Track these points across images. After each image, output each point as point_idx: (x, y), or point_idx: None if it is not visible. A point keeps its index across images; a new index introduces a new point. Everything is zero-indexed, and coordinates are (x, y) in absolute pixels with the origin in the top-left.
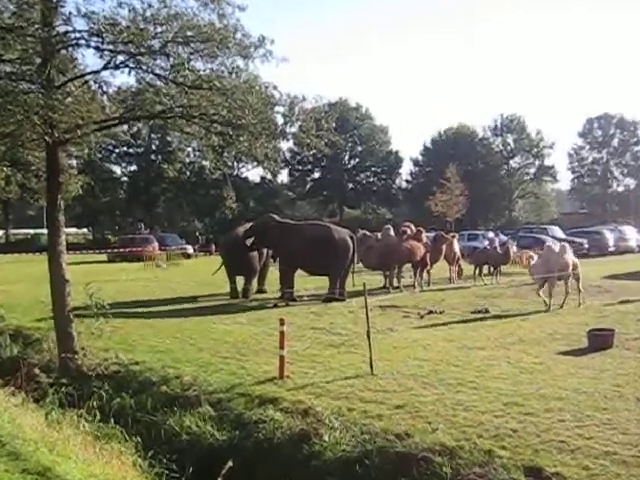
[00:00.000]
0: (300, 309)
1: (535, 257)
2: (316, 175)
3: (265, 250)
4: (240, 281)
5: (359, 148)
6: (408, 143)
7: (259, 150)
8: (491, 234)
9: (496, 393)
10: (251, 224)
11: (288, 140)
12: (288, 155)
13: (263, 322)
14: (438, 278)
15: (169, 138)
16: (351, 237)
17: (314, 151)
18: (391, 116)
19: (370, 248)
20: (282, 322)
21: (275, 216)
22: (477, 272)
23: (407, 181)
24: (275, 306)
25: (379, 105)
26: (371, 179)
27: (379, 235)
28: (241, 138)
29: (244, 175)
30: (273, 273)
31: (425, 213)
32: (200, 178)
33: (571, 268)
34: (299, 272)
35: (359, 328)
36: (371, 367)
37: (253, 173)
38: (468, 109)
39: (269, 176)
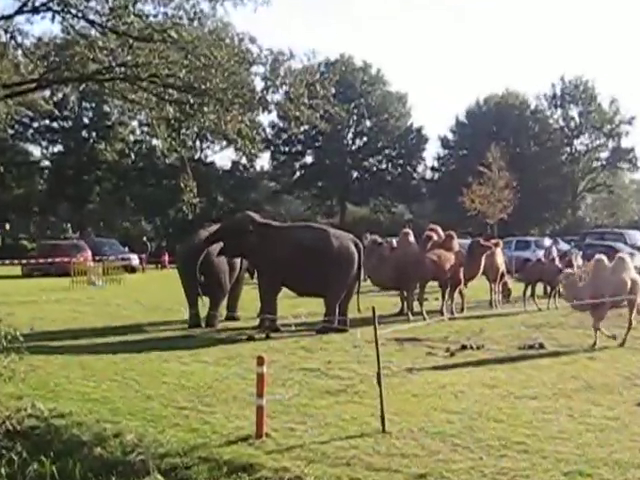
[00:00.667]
0: (286, 343)
1: (575, 272)
2: (308, 160)
3: (238, 262)
4: (204, 304)
5: (367, 123)
6: (434, 117)
7: (230, 125)
8: (547, 241)
9: (554, 458)
10: (219, 226)
11: (270, 112)
12: (270, 132)
13: (235, 361)
14: (475, 301)
15: (107, 108)
16: (356, 245)
17: (306, 127)
18: (410, 81)
19: (382, 260)
20: (261, 361)
21: (253, 215)
22: (528, 293)
23: (433, 168)
24: (251, 339)
25: (394, 67)
26: (383, 165)
27: (394, 242)
28: (206, 108)
29: (210, 159)
30: (249, 293)
31: (457, 212)
32: (149, 163)
33: (629, 290)
34: (285, 292)
35: (366, 369)
36: (382, 422)
37: (222, 157)
38: (516, 70)
39: (244, 161)
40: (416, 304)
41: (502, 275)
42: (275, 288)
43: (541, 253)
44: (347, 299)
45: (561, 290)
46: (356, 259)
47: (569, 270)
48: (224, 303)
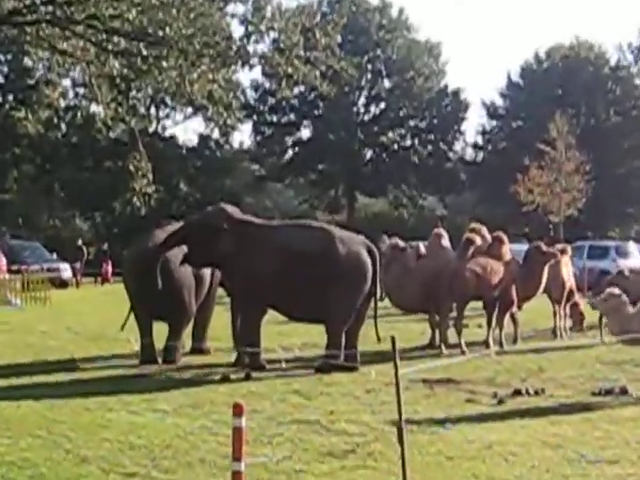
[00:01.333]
0: (273, 385)
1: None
2: (304, 134)
3: (208, 274)
4: (161, 331)
5: (386, 83)
6: (477, 75)
7: (198, 86)
8: (633, 247)
9: None
10: (182, 224)
11: (252, 67)
12: (252, 96)
13: (203, 410)
14: (533, 329)
15: (28, 62)
16: (370, 251)
17: (301, 88)
18: (445, 27)
19: (406, 272)
20: (238, 410)
21: (229, 209)
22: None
23: (476, 146)
24: (225, 379)
25: (421, 7)
26: (408, 142)
27: (422, 247)
28: (164, 63)
29: (170, 133)
30: (222, 317)
31: (509, 207)
32: (86, 138)
33: None
34: (272, 315)
35: (383, 422)
36: None
37: (186, 129)
38: (590, 13)
39: (216, 135)
40: (452, 333)
41: (571, 293)
42: (258, 310)
43: (624, 262)
44: (357, 325)
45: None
46: (370, 271)
47: (614, 290)
48: (189, 330)
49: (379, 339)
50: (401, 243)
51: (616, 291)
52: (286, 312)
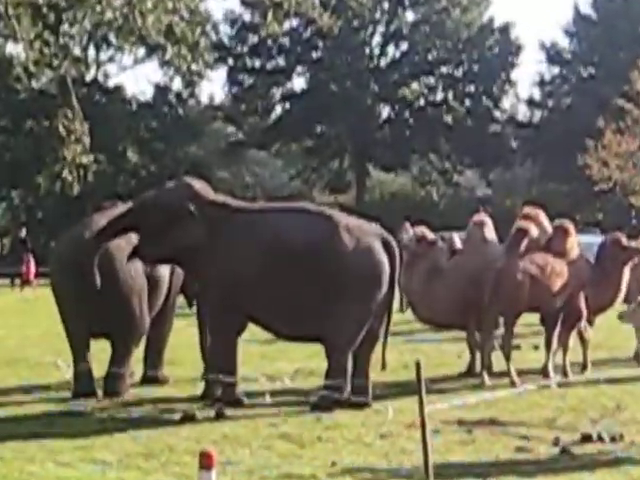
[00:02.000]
0: (254, 427)
1: None
2: (297, 85)
3: (166, 274)
4: (102, 350)
5: (408, 16)
6: (532, 7)
7: (152, 18)
8: None
9: None
10: (131, 206)
11: None
12: (227, 33)
13: (158, 461)
14: (609, 351)
15: None
16: (387, 245)
17: (293, 22)
18: None
19: (436, 274)
20: (207, 461)
21: (195, 185)
22: None
23: (531, 103)
24: (189, 418)
25: None
26: (438, 95)
27: (457, 240)
28: None
29: (114, 83)
30: (184, 334)
31: (577, 184)
32: (2, 88)
33: None
34: (254, 332)
35: (404, 478)
36: None
37: (137, 78)
38: None
39: (177, 86)
40: (498, 356)
41: None
42: (235, 324)
43: None
44: (369, 347)
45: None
46: (386, 272)
47: None
48: (139, 352)
49: (384, 366)
50: (429, 234)
51: None
52: (273, 327)
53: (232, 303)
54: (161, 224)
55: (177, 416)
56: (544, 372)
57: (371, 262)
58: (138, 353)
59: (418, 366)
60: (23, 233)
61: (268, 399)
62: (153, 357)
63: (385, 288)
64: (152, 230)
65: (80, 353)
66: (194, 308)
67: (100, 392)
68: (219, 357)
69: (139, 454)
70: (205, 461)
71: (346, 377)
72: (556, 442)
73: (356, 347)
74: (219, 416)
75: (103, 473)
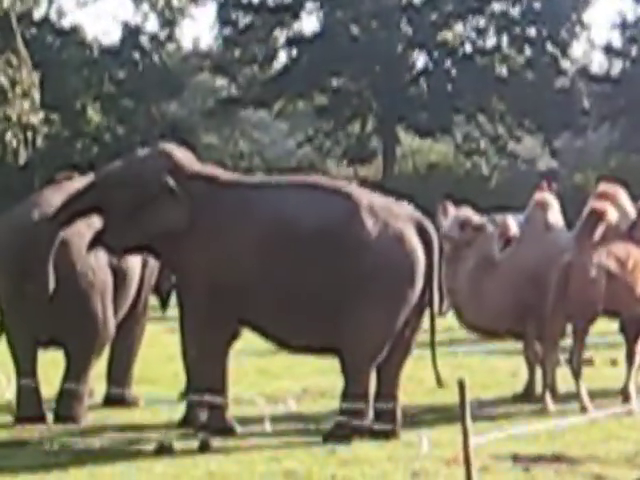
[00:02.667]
0: (249, 461)
1: None
2: (308, 27)
3: (136, 268)
4: (52, 363)
5: None
6: None
7: None
8: None
9: None
10: (93, 179)
11: None
12: None
13: None
14: None
15: None
16: (422, 231)
17: None
18: None
19: (487, 268)
20: None
21: (175, 153)
22: None
23: (609, 50)
24: (164, 450)
25: None
26: (489, 41)
27: (513, 224)
28: None
29: (70, 22)
30: (159, 342)
31: None
32: None
33: None
34: (249, 342)
35: None
36: None
37: (99, 15)
38: None
39: (153, 26)
40: (564, 374)
41: None
42: (226, 331)
43: None
44: (399, 361)
45: None
46: (421, 265)
47: None
48: (101, 366)
49: (439, 382)
50: (476, 218)
51: None
52: (274, 335)
53: (222, 304)
54: (131, 204)
55: (150, 447)
56: (624, 393)
57: (401, 252)
58: (100, 367)
59: (462, 385)
60: None
61: (268, 426)
62: (119, 372)
63: (420, 285)
64: (120, 211)
65: (25, 366)
66: (172, 310)
67: (50, 416)
68: (204, 373)
69: None
70: None
71: (368, 399)
72: None
73: (381, 361)
74: (204, 448)
75: None
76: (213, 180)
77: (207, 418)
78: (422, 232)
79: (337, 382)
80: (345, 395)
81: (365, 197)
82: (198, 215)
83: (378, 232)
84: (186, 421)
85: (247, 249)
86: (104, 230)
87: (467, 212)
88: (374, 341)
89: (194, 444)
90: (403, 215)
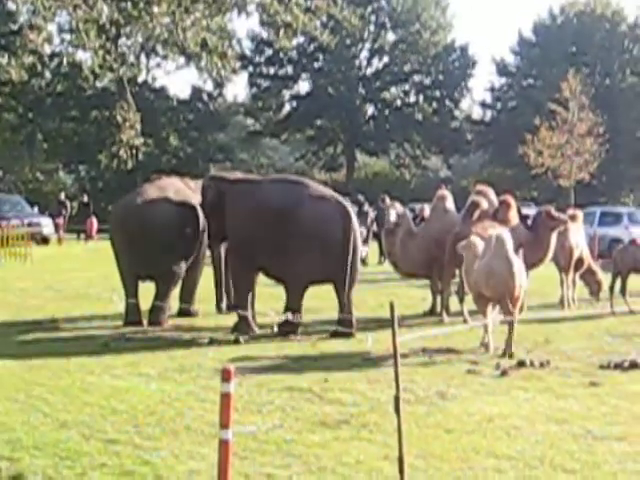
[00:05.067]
0: (263, 350)
1: None
2: (303, 88)
3: (200, 234)
4: (147, 291)
5: (390, 36)
6: (487, 31)
7: (191, 33)
8: None
9: None
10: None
11: (249, 15)
12: (248, 46)
13: (189, 375)
14: (540, 297)
15: (12, 6)
16: (341, 209)
17: (300, 39)
18: None
19: (409, 237)
20: (227, 375)
21: (222, 172)
22: (616, 287)
23: (484, 105)
24: (213, 341)
25: None
26: (412, 98)
27: (426, 209)
28: (156, 8)
29: (160, 84)
30: (209, 278)
31: (517, 169)
32: (72, 87)
33: None
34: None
35: (379, 392)
36: (400, 469)
37: (178, 80)
38: None
39: (209, 87)
40: (454, 300)
41: (580, 262)
42: (248, 267)
43: (637, 230)
44: (344, 288)
45: None
46: (339, 230)
47: None
48: (176, 291)
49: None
50: (399, 207)
51: None
52: (266, 271)
53: (241, 249)
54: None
55: (205, 340)
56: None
57: (323, 223)
58: (175, 291)
59: (392, 306)
60: (85, 198)
61: (276, 329)
62: (187, 294)
63: (342, 246)
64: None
65: (131, 291)
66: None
67: (145, 321)
68: (240, 291)
69: (175, 369)
70: (226, 375)
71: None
72: (497, 367)
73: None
74: (236, 342)
75: (147, 384)
76: (222, 180)
77: (237, 322)
78: (342, 212)
79: (320, 303)
80: (286, 307)
81: (313, 186)
82: (221, 202)
83: (310, 208)
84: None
85: (248, 220)
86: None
87: (397, 204)
88: (301, 277)
89: (231, 337)
90: (332, 200)
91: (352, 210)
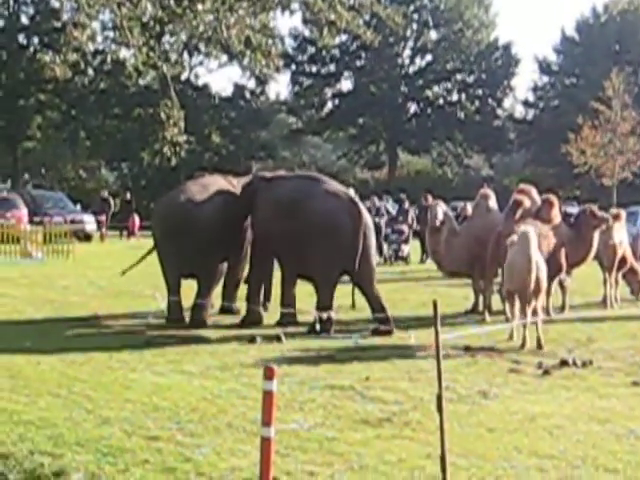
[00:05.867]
0: (306, 348)
1: None
2: (345, 86)
3: (243, 231)
4: (189, 289)
5: (433, 35)
6: (530, 30)
7: (235, 31)
8: None
9: None
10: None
11: (293, 13)
12: (291, 44)
13: (231, 372)
14: (582, 296)
15: (55, 3)
16: (352, 202)
17: (343, 37)
18: None
19: (453, 235)
20: (270, 373)
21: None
22: None
23: (526, 103)
24: (253, 340)
25: None
26: (454, 97)
27: (469, 208)
28: (200, 6)
29: (203, 81)
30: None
31: (560, 168)
32: (115, 84)
33: None
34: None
35: (421, 390)
36: (443, 468)
37: (221, 78)
38: None
39: (252, 85)
40: (496, 299)
41: (623, 261)
42: (265, 267)
43: None
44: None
45: None
46: (346, 227)
47: None
48: (218, 289)
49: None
50: (442, 206)
51: None
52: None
53: (267, 247)
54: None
55: (247, 338)
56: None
57: (336, 215)
58: (217, 290)
59: (435, 304)
60: (128, 196)
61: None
62: (229, 293)
63: (350, 240)
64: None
65: (173, 288)
66: None
67: (187, 319)
68: (285, 291)
69: (217, 367)
70: (269, 373)
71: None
72: (540, 366)
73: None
74: (278, 339)
75: (188, 381)
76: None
77: (279, 318)
78: (352, 203)
79: (361, 301)
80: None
81: (327, 182)
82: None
83: (320, 201)
84: (280, 322)
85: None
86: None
87: (439, 202)
88: (331, 273)
89: (276, 336)
90: (342, 194)
91: (362, 206)
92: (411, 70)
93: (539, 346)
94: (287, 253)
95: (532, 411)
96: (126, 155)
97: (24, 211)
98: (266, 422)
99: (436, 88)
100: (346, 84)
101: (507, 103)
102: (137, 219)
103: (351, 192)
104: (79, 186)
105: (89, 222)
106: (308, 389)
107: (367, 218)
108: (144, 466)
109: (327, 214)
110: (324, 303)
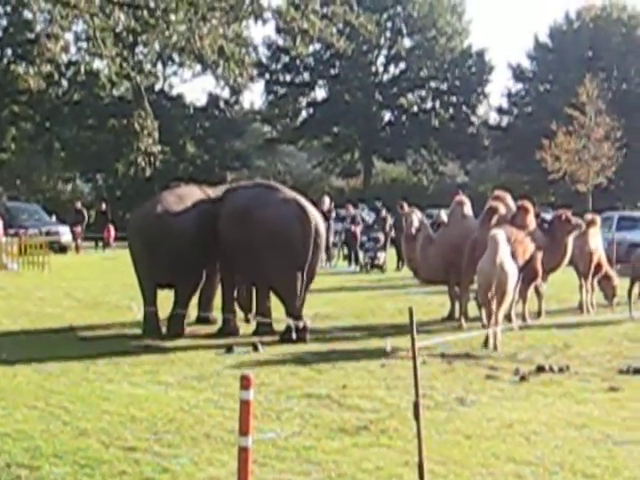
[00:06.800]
0: (282, 355)
1: None
2: (319, 95)
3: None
4: (165, 299)
5: (406, 42)
6: (503, 36)
7: (208, 41)
8: None
9: None
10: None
11: (266, 22)
12: (265, 53)
13: (208, 382)
14: (558, 302)
15: (29, 15)
16: (302, 207)
17: (317, 46)
18: None
19: (429, 243)
20: (246, 383)
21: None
22: (635, 292)
23: (500, 110)
24: (229, 350)
25: None
26: (428, 104)
27: (443, 215)
28: (172, 16)
29: (177, 91)
30: None
31: (535, 174)
32: (89, 95)
33: None
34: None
35: (398, 398)
36: (420, 475)
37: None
38: None
39: (226, 94)
40: (472, 305)
41: (598, 266)
42: (233, 277)
43: None
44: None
45: None
46: (296, 234)
47: None
48: (194, 298)
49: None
50: (418, 214)
51: None
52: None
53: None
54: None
55: (223, 348)
56: (508, 317)
57: (282, 224)
58: (193, 299)
59: (411, 312)
60: (103, 207)
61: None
62: (206, 303)
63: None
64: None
65: (149, 299)
66: None
67: (164, 329)
68: (259, 301)
69: (194, 377)
70: (245, 383)
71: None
72: (517, 372)
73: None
74: (255, 349)
75: (165, 391)
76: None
77: (256, 328)
78: (302, 209)
79: (338, 309)
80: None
81: (279, 190)
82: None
83: (267, 209)
84: (256, 332)
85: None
86: None
87: (415, 209)
88: (288, 280)
89: (249, 346)
90: (292, 201)
91: (314, 213)
92: (385, 78)
93: (491, 346)
94: (243, 262)
95: (509, 417)
96: (101, 166)
97: None
98: (243, 432)
99: (410, 96)
100: (320, 93)
101: (481, 110)
102: (112, 230)
103: (326, 200)
104: (54, 197)
105: (64, 233)
106: (285, 398)
107: (318, 224)
108: (122, 477)
109: (276, 222)
110: (291, 311)
